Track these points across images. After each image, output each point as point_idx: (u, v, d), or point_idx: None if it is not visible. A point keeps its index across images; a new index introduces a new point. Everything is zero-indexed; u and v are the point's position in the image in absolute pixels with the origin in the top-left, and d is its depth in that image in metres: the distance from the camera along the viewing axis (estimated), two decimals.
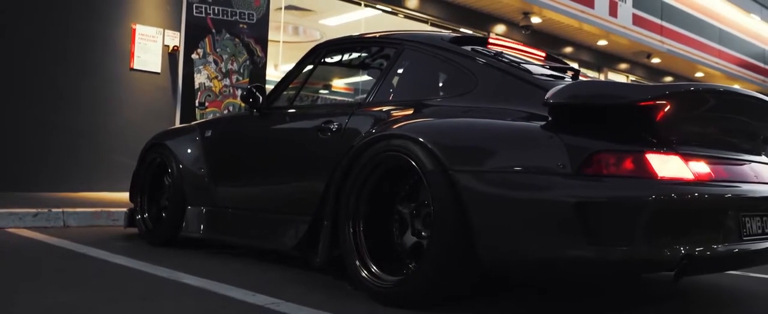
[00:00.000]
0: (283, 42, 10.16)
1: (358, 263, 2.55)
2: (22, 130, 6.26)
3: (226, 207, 3.59)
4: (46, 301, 2.24)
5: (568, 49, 12.65)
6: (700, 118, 2.38)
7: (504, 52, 3.00)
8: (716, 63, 15.30)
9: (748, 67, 16.60)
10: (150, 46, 6.87)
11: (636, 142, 2.18)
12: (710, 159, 2.34)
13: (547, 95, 2.26)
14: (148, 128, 6.92)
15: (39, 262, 3.14)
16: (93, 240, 3.89)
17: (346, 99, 3.18)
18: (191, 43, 7.24)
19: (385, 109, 2.93)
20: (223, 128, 3.87)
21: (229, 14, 7.52)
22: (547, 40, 11.93)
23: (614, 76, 14.12)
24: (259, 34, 7.76)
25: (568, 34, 12.07)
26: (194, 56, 7.29)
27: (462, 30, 10.61)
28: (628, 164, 2.13)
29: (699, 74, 15.57)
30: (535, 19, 10.95)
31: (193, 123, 4.29)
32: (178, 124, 7.11)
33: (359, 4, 9.35)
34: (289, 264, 3.27)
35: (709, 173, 2.27)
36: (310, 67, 3.63)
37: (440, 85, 3.03)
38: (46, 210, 4.56)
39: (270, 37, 8.16)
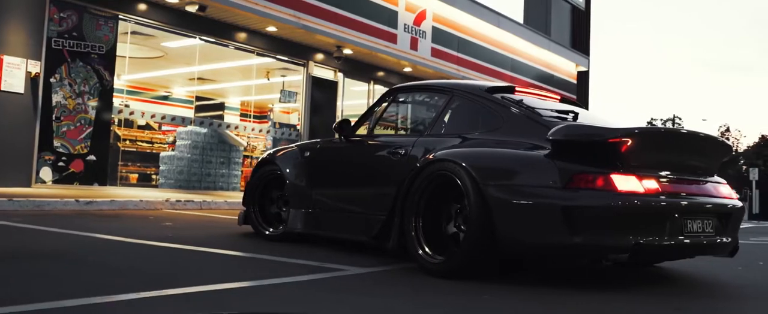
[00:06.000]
0: (129, 57, 12.44)
1: (418, 247, 3.61)
2: None
3: (320, 209, 4.63)
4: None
5: (380, 73, 15.83)
6: (656, 149, 3.39)
7: (525, 98, 4.05)
8: None
9: (538, 88, 20.79)
10: (15, 72, 8.99)
11: (606, 166, 3.16)
12: (660, 178, 3.28)
13: (548, 133, 3.30)
14: (15, 136, 9.10)
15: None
16: None
17: (409, 130, 4.91)
18: (50, 70, 9.48)
19: (438, 139, 3.99)
20: (318, 150, 4.92)
21: (83, 46, 9.82)
22: (358, 66, 15.04)
23: None
24: (107, 62, 10.15)
25: (376, 62, 15.22)
26: (52, 80, 9.53)
27: (279, 57, 13.40)
28: (599, 181, 3.09)
29: None
30: (347, 51, 13.96)
31: (293, 145, 5.37)
32: (37, 134, 9.31)
33: (194, 37, 11.86)
34: (357, 250, 4.47)
35: (658, 188, 3.21)
36: (384, 105, 4.79)
37: (478, 123, 4.01)
38: None
39: (118, 53, 10.50)
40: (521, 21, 20.95)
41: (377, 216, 4.00)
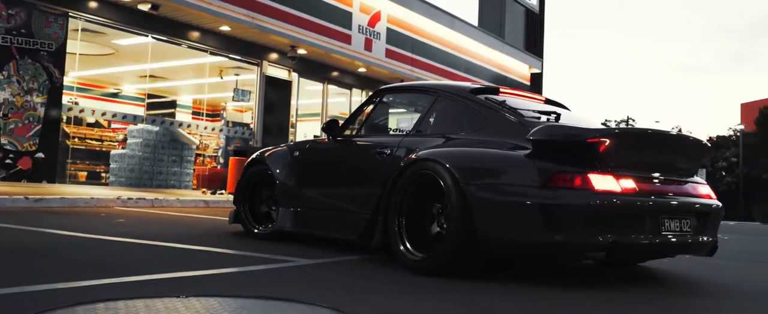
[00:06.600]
0: (80, 54, 12.50)
1: (400, 244, 3.74)
2: None
3: (308, 208, 4.78)
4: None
5: (335, 73, 16.13)
6: (634, 149, 3.50)
7: (508, 99, 4.18)
8: None
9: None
10: None
11: (584, 165, 3.25)
12: (638, 178, 3.37)
13: (529, 133, 3.42)
14: None
15: None
16: None
17: (395, 130, 5.09)
18: None
19: (422, 139, 4.11)
20: (307, 150, 5.07)
21: (32, 43, 9.89)
22: (313, 66, 15.31)
23: None
24: (56, 60, 10.22)
25: (330, 62, 15.52)
26: (0, 77, 9.55)
27: (232, 56, 13.59)
28: (577, 181, 3.18)
29: None
30: (301, 51, 14.22)
31: (282, 145, 5.56)
32: None
33: (146, 36, 11.96)
34: (346, 250, 4.61)
35: (635, 187, 3.31)
36: (370, 105, 4.93)
37: (462, 123, 4.12)
38: None
39: (69, 50, 10.57)
40: (476, 23, 21.49)
41: (363, 215, 4.14)
